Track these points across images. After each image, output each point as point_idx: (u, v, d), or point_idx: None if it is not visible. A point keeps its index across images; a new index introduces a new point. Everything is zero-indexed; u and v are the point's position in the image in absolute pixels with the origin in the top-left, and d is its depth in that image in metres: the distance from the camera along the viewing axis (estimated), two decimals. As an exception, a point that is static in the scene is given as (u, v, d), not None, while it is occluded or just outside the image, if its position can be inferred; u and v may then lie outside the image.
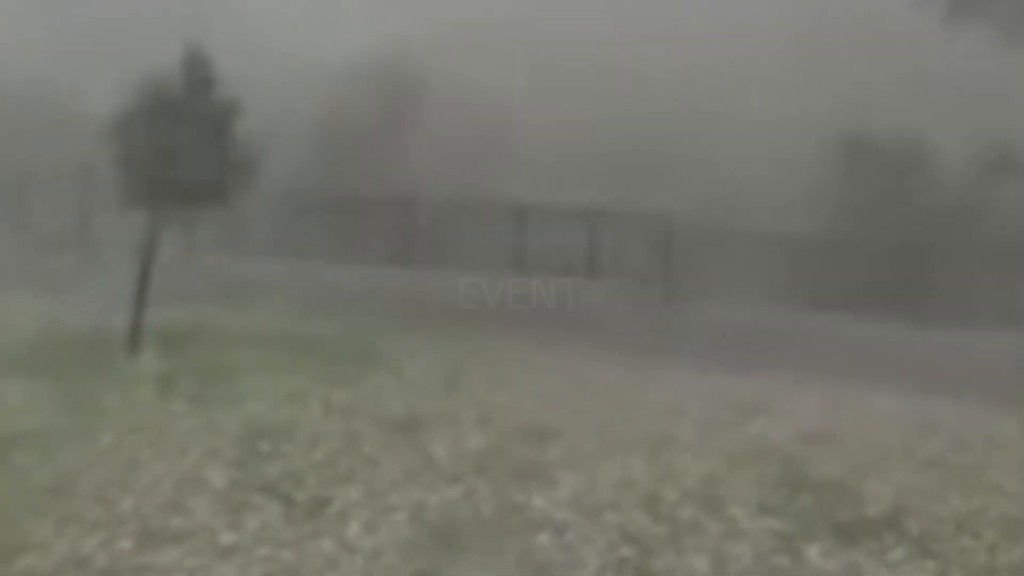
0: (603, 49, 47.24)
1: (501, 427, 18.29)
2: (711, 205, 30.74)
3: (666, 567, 13.85)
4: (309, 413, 18.82)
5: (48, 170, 32.13)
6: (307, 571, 13.75)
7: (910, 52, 42.14)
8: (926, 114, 37.69)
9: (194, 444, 17.41)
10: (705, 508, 15.35)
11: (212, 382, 20.24)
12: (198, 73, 21.93)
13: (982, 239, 29.05)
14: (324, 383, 20.21)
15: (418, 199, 31.00)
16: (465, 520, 14.97)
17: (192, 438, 17.66)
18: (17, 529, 14.27)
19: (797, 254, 28.85)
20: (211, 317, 24.44)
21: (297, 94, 41.57)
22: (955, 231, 30.63)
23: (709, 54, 46.37)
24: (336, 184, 33.55)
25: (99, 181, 23.31)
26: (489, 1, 47.84)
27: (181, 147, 21.33)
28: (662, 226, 29.06)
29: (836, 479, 16.24)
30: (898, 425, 18.73)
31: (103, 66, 33.14)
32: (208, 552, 14.11)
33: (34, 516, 14.69)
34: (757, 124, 39.58)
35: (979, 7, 40.93)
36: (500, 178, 34.77)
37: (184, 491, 15.77)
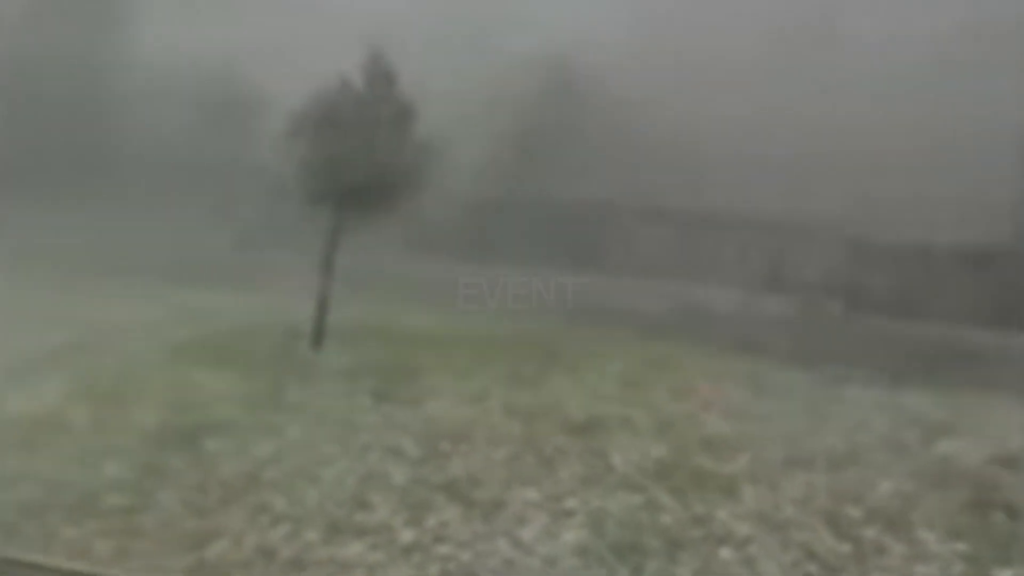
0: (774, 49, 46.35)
1: (682, 436, 18.08)
2: (891, 213, 29.85)
3: (851, 587, 13.52)
4: (489, 414, 18.93)
5: (245, 169, 33.07)
6: (484, 572, 13.83)
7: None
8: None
9: (376, 441, 17.70)
10: (891, 528, 14.91)
11: (395, 380, 20.56)
12: (379, 74, 22.30)
13: None
14: (505, 385, 20.31)
15: (601, 203, 30.86)
16: (645, 529, 14.84)
17: (375, 435, 17.95)
18: (209, 517, 14.73)
19: (985, 267, 27.77)
20: (394, 316, 24.85)
21: (479, 94, 41.97)
22: None
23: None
24: (519, 188, 33.72)
25: (289, 178, 23.90)
26: (665, 6, 47.50)
27: (358, 150, 21.74)
28: (841, 237, 28.30)
29: (1032, 504, 15.59)
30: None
31: (298, 69, 34.04)
32: (389, 548, 14.31)
33: (225, 505, 15.15)
34: (925, 131, 38.32)
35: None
36: (682, 184, 34.47)
37: (367, 487, 16.04)
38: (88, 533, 14.06)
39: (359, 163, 21.67)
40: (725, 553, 14.23)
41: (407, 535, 14.68)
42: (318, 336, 22.47)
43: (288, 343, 22.66)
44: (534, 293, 26.54)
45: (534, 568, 13.93)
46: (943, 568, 13.92)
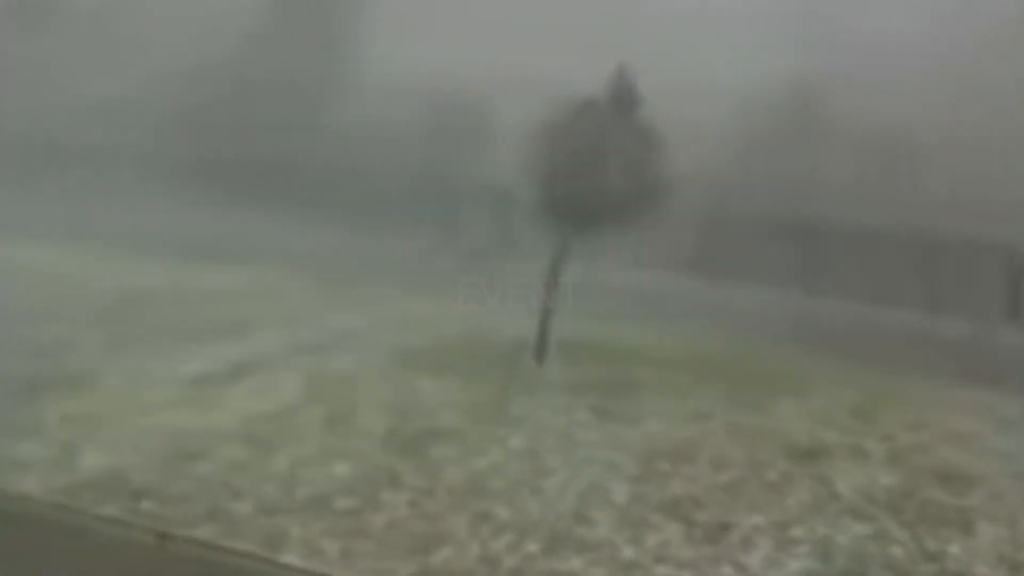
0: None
1: (913, 466, 17.41)
2: None
3: (1101, 638, 12.73)
4: (712, 435, 18.67)
5: (474, 179, 33.62)
6: (705, 595, 13.62)
7: None
8: None
9: (597, 456, 17.66)
10: None
11: (615, 396, 20.50)
12: (622, 94, 22.29)
13: None
14: (727, 405, 20.01)
15: (825, 226, 30.08)
16: (874, 561, 14.33)
17: (595, 450, 17.92)
18: (434, 523, 14.95)
19: None
20: (616, 331, 24.80)
21: (709, 117, 41.48)
22: None
23: None
24: (743, 205, 33.19)
25: (520, 193, 24.06)
26: (892, 29, 45.89)
27: (599, 167, 21.81)
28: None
29: None
30: None
31: (531, 79, 34.44)
32: (609, 565, 14.22)
33: (449, 512, 15.35)
34: None
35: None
36: (907, 208, 33.27)
37: (587, 502, 16.01)
38: (317, 533, 14.44)
39: (596, 182, 21.74)
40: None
41: (628, 553, 14.56)
42: (541, 349, 22.58)
43: (511, 354, 22.83)
44: (759, 313, 26.02)
45: (757, 595, 13.63)
46: None
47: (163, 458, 16.53)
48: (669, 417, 19.51)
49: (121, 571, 13.48)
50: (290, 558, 13.77)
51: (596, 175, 21.69)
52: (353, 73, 44.42)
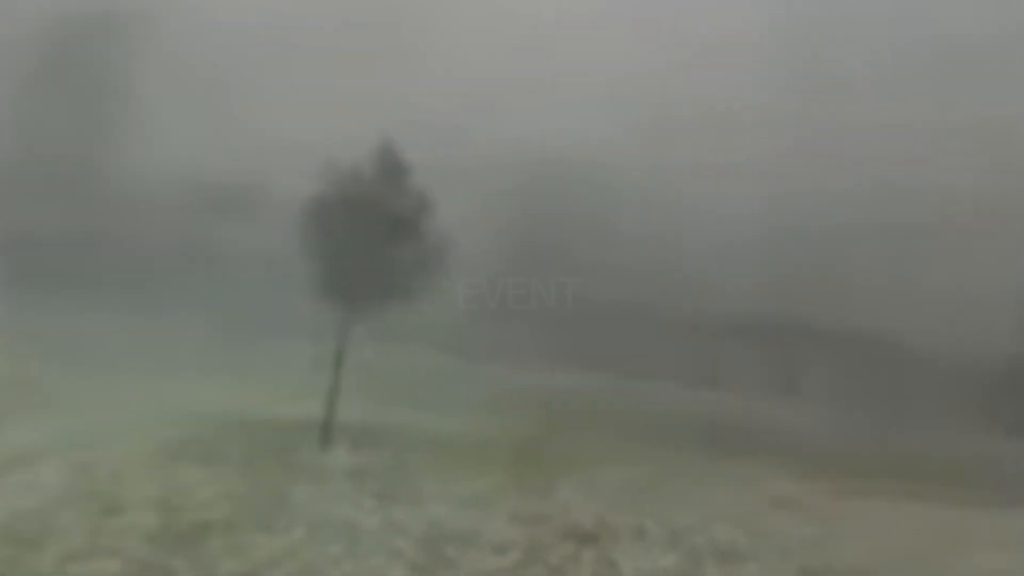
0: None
1: (691, 546, 17.62)
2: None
3: None
4: (494, 519, 18.48)
5: (244, 255, 32.74)
6: None
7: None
8: None
9: (381, 544, 17.27)
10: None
11: (398, 481, 20.10)
12: (390, 164, 22.20)
13: None
14: (510, 489, 19.86)
15: (631, 307, 30.58)
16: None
17: (379, 538, 17.52)
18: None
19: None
20: (398, 414, 24.43)
21: (489, 190, 41.75)
22: None
23: None
24: (522, 284, 33.34)
25: (294, 270, 23.55)
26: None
27: (369, 242, 21.64)
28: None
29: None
30: None
31: (294, 152, 34.10)
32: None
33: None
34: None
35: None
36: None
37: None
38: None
39: (369, 255, 21.53)
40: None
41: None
42: (325, 434, 22.08)
43: (291, 439, 22.18)
44: (543, 396, 26.14)
45: None
46: None
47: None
48: (451, 501, 19.23)
49: None
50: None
51: (367, 244, 21.52)
52: (121, 153, 43.31)
